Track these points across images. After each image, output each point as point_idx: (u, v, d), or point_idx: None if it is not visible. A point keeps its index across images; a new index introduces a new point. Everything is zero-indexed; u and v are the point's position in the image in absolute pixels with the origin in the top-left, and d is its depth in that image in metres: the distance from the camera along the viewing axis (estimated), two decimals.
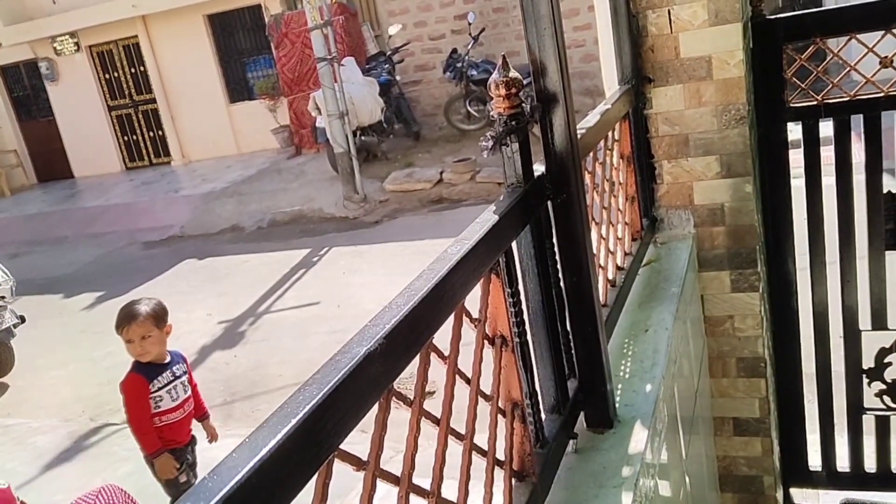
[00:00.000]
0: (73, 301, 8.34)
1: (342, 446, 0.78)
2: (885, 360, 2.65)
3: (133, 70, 14.66)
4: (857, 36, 2.43)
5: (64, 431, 5.10)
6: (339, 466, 0.78)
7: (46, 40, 14.51)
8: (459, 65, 10.70)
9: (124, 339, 3.03)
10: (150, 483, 4.02)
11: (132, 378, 3.07)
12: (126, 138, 15.28)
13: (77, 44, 14.55)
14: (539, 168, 1.41)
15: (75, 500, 2.56)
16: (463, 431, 1.09)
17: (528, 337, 1.31)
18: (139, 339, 3.01)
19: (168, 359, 3.15)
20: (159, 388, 3.07)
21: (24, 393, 6.07)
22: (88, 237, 11.38)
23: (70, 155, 15.63)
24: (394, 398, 0.90)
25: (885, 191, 2.55)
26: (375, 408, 0.86)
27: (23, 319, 6.20)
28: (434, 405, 0.94)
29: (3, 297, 6.03)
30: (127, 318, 3.03)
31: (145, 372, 3.07)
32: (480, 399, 1.14)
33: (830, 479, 2.90)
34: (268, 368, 5.59)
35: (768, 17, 2.48)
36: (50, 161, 15.95)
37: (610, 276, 1.94)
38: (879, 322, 2.64)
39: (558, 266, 1.44)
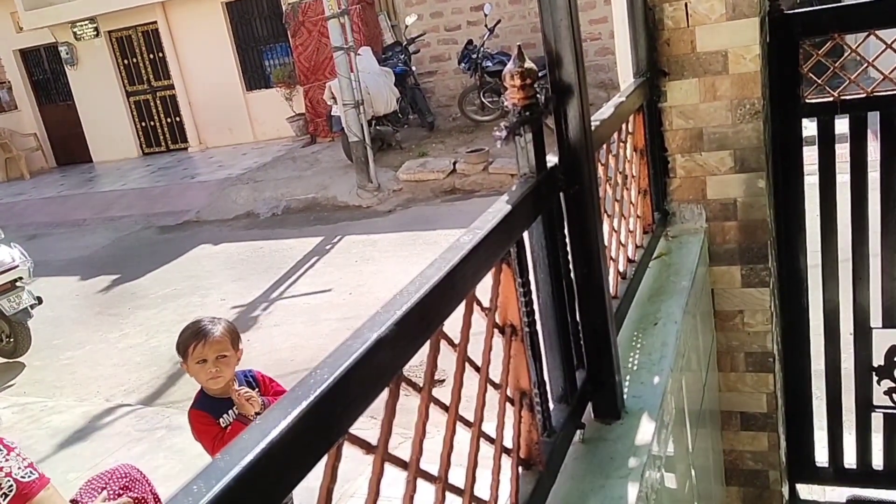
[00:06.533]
0: (89, 283, 8.42)
1: (352, 430, 0.78)
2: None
3: (151, 56, 14.73)
4: (876, 32, 2.41)
5: (79, 411, 5.16)
6: (348, 450, 0.79)
7: (66, 25, 14.58)
8: (475, 56, 10.67)
9: (194, 360, 2.53)
10: (163, 463, 4.09)
11: (195, 415, 2.61)
12: (144, 124, 15.37)
13: (96, 29, 14.62)
14: (552, 159, 1.40)
15: (90, 478, 2.61)
16: (471, 419, 1.10)
17: (538, 327, 1.31)
18: (214, 358, 2.53)
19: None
20: (226, 426, 2.60)
21: (40, 372, 6.15)
22: (105, 220, 11.48)
23: (89, 139, 15.74)
24: (403, 384, 0.90)
25: None
26: (385, 393, 0.87)
27: (40, 300, 6.29)
28: (443, 393, 0.95)
29: (20, 279, 6.10)
30: (199, 333, 2.53)
31: (210, 407, 2.61)
32: (489, 387, 1.15)
33: (837, 475, 2.90)
34: (280, 353, 5.63)
35: (786, 11, 2.47)
36: (69, 145, 16.08)
37: (621, 269, 1.94)
38: (891, 320, 2.63)
39: (569, 257, 1.45)
